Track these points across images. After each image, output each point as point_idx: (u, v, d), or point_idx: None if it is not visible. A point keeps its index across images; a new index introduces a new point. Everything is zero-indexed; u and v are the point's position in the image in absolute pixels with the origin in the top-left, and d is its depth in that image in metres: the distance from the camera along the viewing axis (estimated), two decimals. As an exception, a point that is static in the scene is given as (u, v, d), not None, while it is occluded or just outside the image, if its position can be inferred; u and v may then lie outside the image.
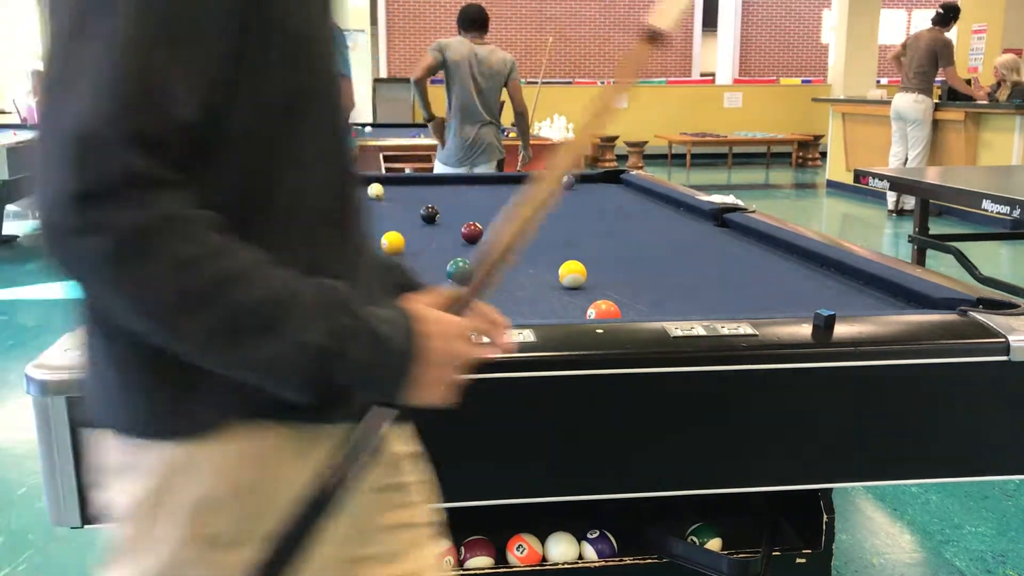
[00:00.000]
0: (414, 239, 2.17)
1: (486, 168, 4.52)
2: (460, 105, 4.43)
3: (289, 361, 0.69)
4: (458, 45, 4.41)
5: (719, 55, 16.42)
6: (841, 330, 1.28)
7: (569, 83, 13.74)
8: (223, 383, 0.72)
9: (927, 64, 7.43)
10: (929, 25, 7.51)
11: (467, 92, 4.41)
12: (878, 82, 11.67)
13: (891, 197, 7.63)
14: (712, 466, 1.24)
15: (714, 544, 1.46)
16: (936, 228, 4.16)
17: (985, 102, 7.88)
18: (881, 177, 3.83)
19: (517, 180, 3.66)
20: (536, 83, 6.40)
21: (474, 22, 4.45)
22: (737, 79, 15.24)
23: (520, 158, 4.79)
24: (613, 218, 2.70)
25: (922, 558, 2.35)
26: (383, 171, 5.58)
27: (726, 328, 1.23)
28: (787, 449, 1.24)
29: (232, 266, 0.68)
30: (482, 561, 1.42)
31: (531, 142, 5.85)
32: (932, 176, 3.95)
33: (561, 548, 1.43)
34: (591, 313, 1.42)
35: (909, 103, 7.52)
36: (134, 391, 0.75)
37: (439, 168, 4.59)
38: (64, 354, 1.14)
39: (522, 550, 1.42)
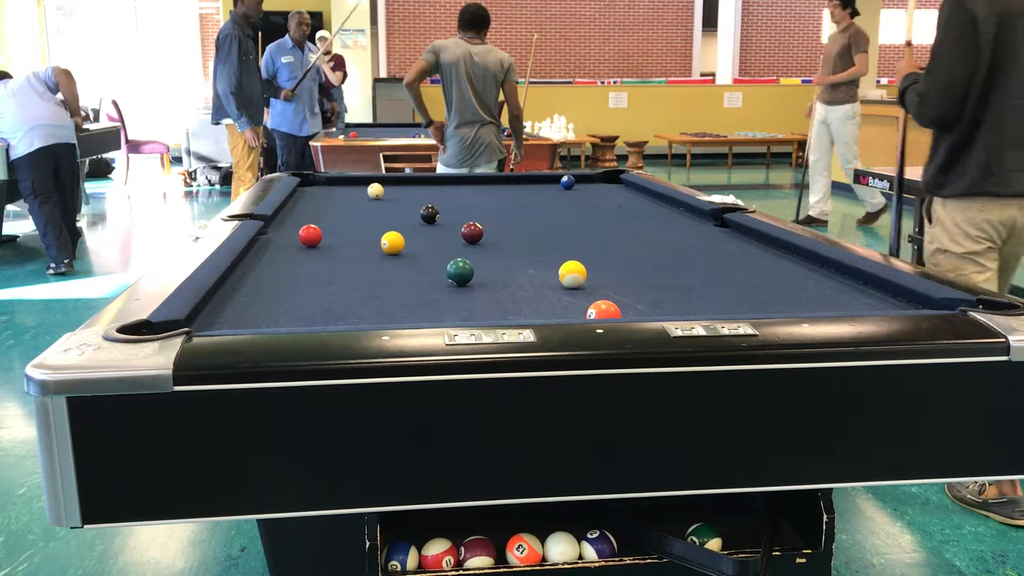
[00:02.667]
0: (414, 239, 2.17)
1: (487, 168, 4.51)
2: (457, 106, 4.43)
3: None
4: (453, 46, 4.40)
5: (719, 55, 16.41)
6: (841, 330, 1.28)
7: (569, 83, 13.75)
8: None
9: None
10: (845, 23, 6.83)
11: (463, 93, 4.41)
12: (878, 82, 11.67)
13: (875, 205, 7.26)
14: (712, 466, 1.24)
15: (714, 544, 1.46)
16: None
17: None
18: (881, 177, 3.83)
19: (517, 180, 3.66)
20: (522, 83, 6.42)
21: (471, 23, 4.43)
22: (737, 79, 15.23)
23: (512, 158, 4.79)
24: (613, 218, 2.70)
25: (922, 558, 2.35)
26: (383, 171, 5.59)
27: (726, 328, 1.23)
28: (787, 449, 1.24)
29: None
30: (482, 561, 1.42)
31: (531, 142, 5.87)
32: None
33: (561, 548, 1.43)
34: (591, 313, 1.41)
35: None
36: None
37: (441, 170, 4.59)
38: (64, 354, 1.14)
39: (522, 550, 1.42)
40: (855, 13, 6.86)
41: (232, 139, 6.04)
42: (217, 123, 6.11)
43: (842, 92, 6.97)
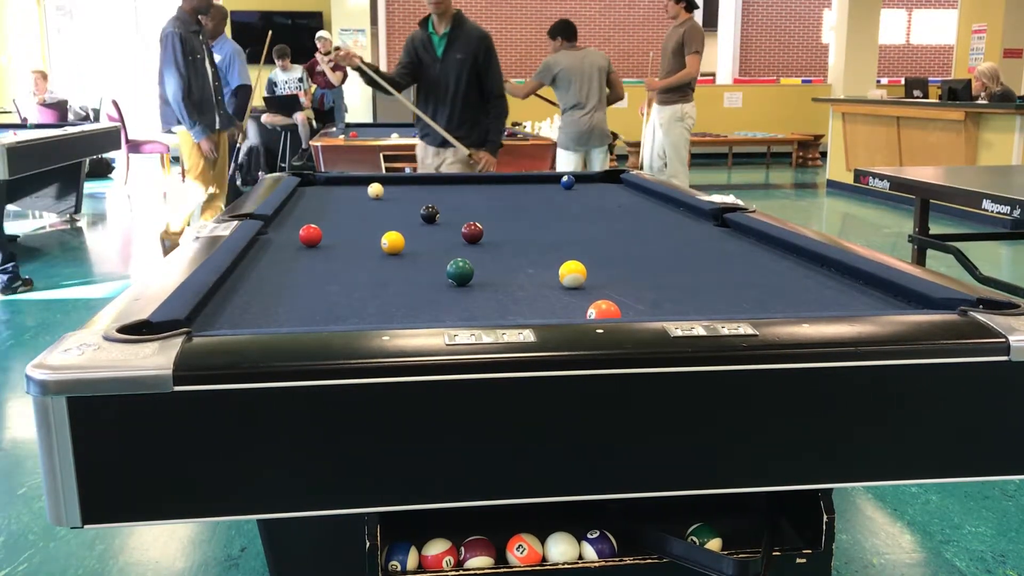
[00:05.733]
0: (414, 239, 2.17)
1: (599, 150, 6.20)
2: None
3: None
4: (565, 58, 5.96)
5: (719, 55, 16.42)
6: (841, 330, 1.28)
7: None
8: None
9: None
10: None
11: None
12: (878, 82, 11.67)
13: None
14: (712, 466, 1.24)
15: (714, 544, 1.46)
16: (936, 228, 4.16)
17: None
18: (881, 177, 3.83)
19: (517, 180, 3.66)
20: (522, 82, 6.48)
21: (574, 33, 6.02)
22: (737, 79, 15.23)
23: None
24: (613, 218, 2.70)
25: (922, 558, 2.35)
26: (383, 171, 5.59)
27: (726, 328, 1.23)
28: (787, 449, 1.24)
29: None
30: (482, 561, 1.42)
31: (531, 142, 5.92)
32: (932, 176, 3.96)
33: (561, 548, 1.43)
34: (591, 313, 1.41)
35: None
36: None
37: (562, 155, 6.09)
38: (64, 354, 1.14)
39: (522, 550, 1.42)
40: (692, 7, 6.38)
41: (186, 145, 5.41)
42: (168, 131, 5.53)
43: (672, 91, 6.55)
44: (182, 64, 5.12)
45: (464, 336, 1.20)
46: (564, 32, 5.96)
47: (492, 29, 4.88)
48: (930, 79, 9.55)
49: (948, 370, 1.24)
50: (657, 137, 6.78)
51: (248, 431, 1.13)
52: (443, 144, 4.31)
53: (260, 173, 9.15)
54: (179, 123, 5.35)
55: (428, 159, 4.40)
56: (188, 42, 5.16)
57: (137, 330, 1.24)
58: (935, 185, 3.63)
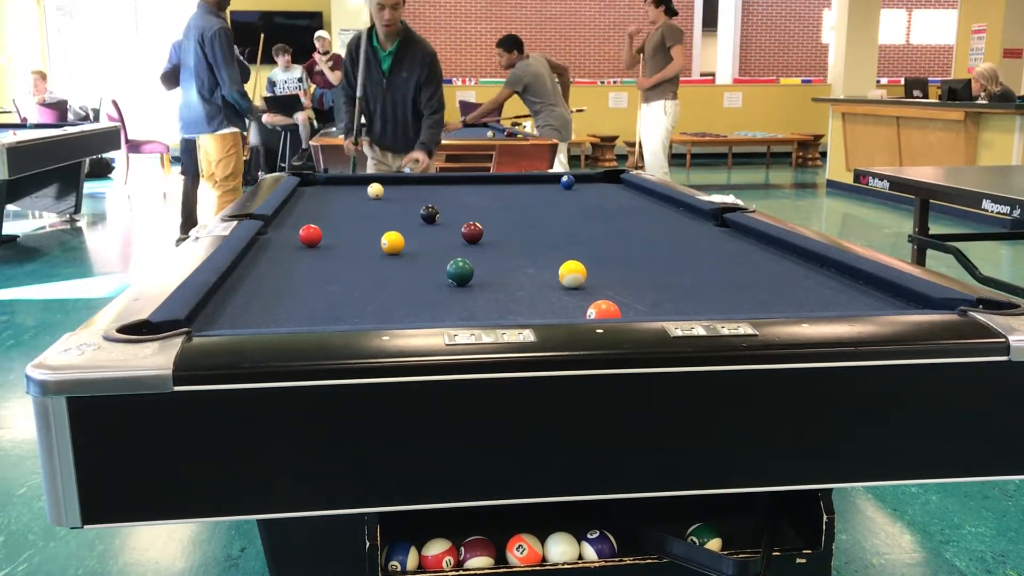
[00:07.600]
0: (414, 239, 2.17)
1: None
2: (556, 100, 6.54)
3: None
4: (534, 63, 6.37)
5: (719, 55, 16.42)
6: (841, 330, 1.28)
7: (569, 83, 13.73)
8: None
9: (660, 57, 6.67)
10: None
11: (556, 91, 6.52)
12: (878, 82, 11.68)
13: None
14: (712, 466, 1.24)
15: (714, 544, 1.46)
16: (936, 228, 4.16)
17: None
18: (881, 177, 3.83)
19: (517, 180, 3.66)
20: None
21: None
22: (737, 79, 15.23)
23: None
24: (613, 218, 2.70)
25: (922, 558, 2.35)
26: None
27: (726, 328, 1.23)
28: (787, 449, 1.24)
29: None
30: (482, 561, 1.42)
31: (531, 142, 5.96)
32: (932, 176, 3.96)
33: (561, 548, 1.43)
34: (591, 313, 1.41)
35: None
36: None
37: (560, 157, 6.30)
38: (64, 354, 1.14)
39: (522, 550, 1.42)
40: (671, 12, 6.63)
41: (223, 147, 5.40)
42: (199, 134, 5.42)
43: (654, 89, 6.71)
44: (237, 59, 5.25)
45: (464, 336, 1.20)
46: (519, 45, 6.46)
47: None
48: (930, 79, 9.55)
49: (948, 370, 1.24)
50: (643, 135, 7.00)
51: (248, 431, 1.13)
52: (404, 149, 4.51)
53: (260, 173, 9.15)
54: (229, 121, 5.38)
55: (388, 159, 4.58)
56: (231, 37, 5.28)
57: (137, 330, 1.24)
58: (935, 185, 3.63)
